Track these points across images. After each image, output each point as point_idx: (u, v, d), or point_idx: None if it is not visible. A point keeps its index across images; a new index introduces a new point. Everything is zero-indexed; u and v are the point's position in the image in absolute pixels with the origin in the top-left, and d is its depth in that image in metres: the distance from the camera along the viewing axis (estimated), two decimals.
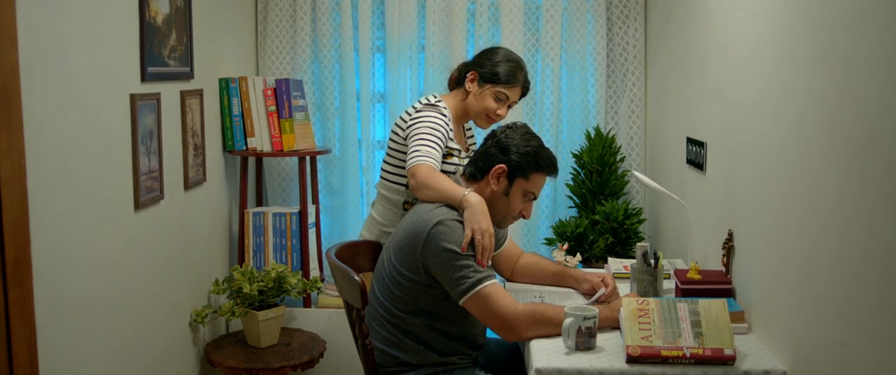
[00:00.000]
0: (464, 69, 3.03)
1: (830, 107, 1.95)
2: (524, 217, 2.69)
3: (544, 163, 2.63)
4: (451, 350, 2.57)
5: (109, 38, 2.66)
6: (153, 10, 2.92)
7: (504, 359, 2.81)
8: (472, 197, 2.53)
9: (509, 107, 3.01)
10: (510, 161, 2.59)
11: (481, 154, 2.66)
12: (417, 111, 2.93)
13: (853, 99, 1.84)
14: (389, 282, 2.55)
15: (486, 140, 2.69)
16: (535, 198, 2.69)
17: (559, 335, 2.36)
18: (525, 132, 2.66)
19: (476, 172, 2.64)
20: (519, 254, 2.97)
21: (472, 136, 3.23)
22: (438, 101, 2.98)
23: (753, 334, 2.45)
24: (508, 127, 2.68)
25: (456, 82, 3.08)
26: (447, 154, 2.91)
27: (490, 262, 2.73)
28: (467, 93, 2.99)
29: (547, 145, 2.56)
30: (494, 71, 2.94)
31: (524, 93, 3.04)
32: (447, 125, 2.89)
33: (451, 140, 2.93)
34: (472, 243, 2.45)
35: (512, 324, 2.41)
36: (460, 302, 2.44)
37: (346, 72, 4.10)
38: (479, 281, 2.42)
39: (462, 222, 2.49)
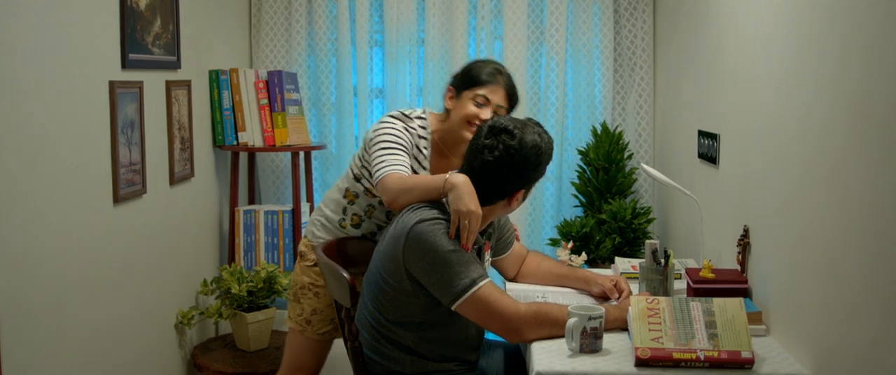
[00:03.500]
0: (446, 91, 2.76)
1: (855, 90, 1.81)
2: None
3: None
4: (446, 357, 2.39)
5: (86, 20, 2.52)
6: None
7: (504, 362, 2.64)
8: (457, 178, 2.29)
9: (496, 113, 2.60)
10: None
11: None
12: (384, 118, 2.67)
13: (881, 81, 1.70)
14: (376, 291, 2.35)
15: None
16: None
17: (564, 336, 2.19)
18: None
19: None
20: (524, 254, 2.80)
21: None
22: (418, 117, 2.69)
23: (772, 336, 2.29)
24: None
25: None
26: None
27: (489, 263, 2.57)
28: (448, 112, 2.68)
29: (551, 142, 2.26)
30: (469, 75, 2.64)
31: (512, 102, 2.67)
32: (409, 141, 2.61)
33: (415, 159, 2.65)
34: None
35: (515, 326, 2.22)
36: (453, 307, 2.22)
37: (342, 66, 3.95)
38: (473, 283, 2.20)
39: (445, 219, 2.26)
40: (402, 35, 3.95)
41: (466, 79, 2.64)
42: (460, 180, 2.29)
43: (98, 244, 2.59)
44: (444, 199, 2.34)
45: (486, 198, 2.32)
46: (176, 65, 3.14)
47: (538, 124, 2.38)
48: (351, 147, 3.99)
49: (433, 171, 2.66)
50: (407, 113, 2.68)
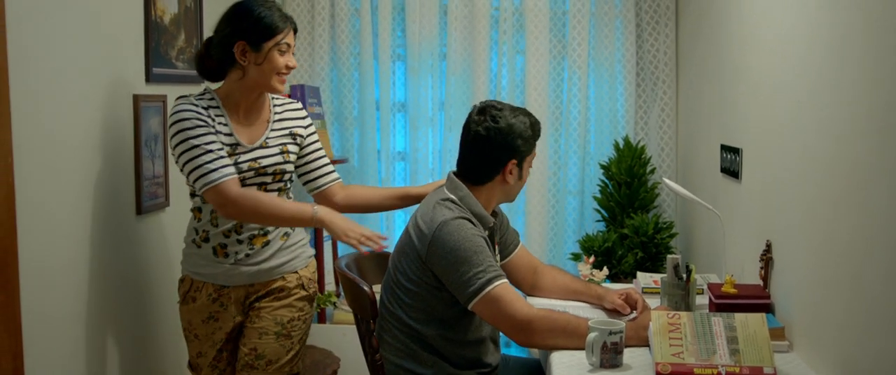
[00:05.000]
0: (217, 48, 2.40)
1: (878, 104, 1.79)
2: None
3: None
4: (466, 362, 2.40)
5: (111, 35, 2.55)
6: (160, 8, 2.81)
7: None
8: (324, 213, 2.38)
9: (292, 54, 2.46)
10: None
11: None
12: (174, 107, 2.35)
13: None
14: (398, 290, 2.40)
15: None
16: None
17: (579, 347, 2.20)
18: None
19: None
20: (536, 266, 2.79)
21: (303, 119, 2.59)
22: (202, 94, 2.41)
23: (795, 352, 2.26)
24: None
25: (216, 68, 2.43)
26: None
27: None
28: (244, 68, 2.38)
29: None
30: (262, 25, 2.35)
31: (296, 32, 2.50)
32: (202, 116, 2.32)
33: (220, 132, 2.36)
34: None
35: (525, 326, 2.26)
36: (469, 306, 2.28)
37: (365, 80, 3.97)
38: (489, 282, 2.26)
39: (468, 219, 2.34)
40: (424, 49, 3.96)
41: (262, 31, 2.35)
42: (327, 212, 2.39)
43: (121, 255, 2.61)
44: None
45: (482, 176, 2.44)
46: (199, 79, 3.16)
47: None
48: (373, 160, 4.00)
49: (243, 136, 2.41)
50: (185, 94, 2.42)
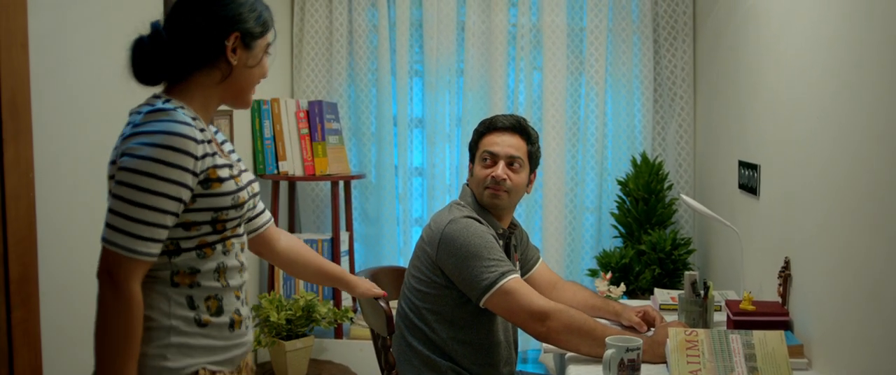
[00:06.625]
0: (195, 39, 1.69)
1: None
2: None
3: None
4: (482, 370, 2.43)
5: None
6: None
7: None
8: None
9: None
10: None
11: None
12: (135, 127, 1.65)
13: None
14: (410, 294, 2.47)
15: None
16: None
17: (595, 351, 2.22)
18: None
19: None
20: (556, 281, 2.79)
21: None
22: (176, 108, 1.65)
23: (814, 369, 2.25)
24: None
25: (167, 67, 1.72)
26: (215, 178, 1.66)
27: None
28: (231, 68, 1.72)
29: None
30: (262, 18, 1.77)
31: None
32: (191, 148, 1.61)
33: (213, 153, 1.67)
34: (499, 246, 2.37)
35: (543, 317, 2.27)
36: (482, 302, 2.31)
37: (382, 95, 3.99)
38: (503, 276, 2.29)
39: (476, 219, 2.41)
40: (441, 65, 3.98)
41: (261, 25, 1.76)
42: None
43: None
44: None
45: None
46: None
47: None
48: (390, 176, 4.01)
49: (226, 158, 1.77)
50: (161, 107, 1.66)
